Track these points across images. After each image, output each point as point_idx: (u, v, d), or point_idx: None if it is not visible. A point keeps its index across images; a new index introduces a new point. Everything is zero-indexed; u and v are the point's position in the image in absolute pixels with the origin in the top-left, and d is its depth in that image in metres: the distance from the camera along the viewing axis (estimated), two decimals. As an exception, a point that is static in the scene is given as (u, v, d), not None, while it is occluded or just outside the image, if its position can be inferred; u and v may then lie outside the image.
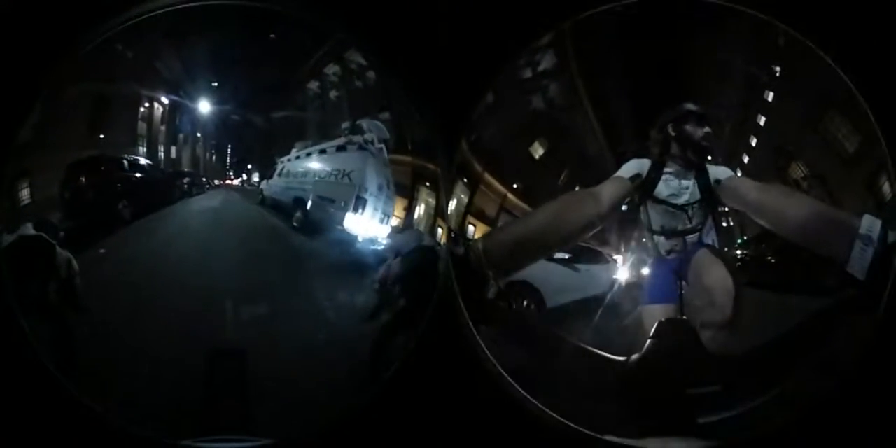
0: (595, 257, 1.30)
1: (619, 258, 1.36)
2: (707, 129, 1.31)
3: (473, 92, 1.24)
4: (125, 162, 1.44)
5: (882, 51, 1.12)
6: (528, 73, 1.36)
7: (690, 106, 1.31)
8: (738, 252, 1.37)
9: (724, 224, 1.36)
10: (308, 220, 1.49)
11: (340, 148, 1.51)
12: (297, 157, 1.54)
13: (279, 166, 1.55)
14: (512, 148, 1.37)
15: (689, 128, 1.31)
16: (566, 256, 1.34)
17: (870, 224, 1.02)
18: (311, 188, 1.51)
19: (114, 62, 1.31)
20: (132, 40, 1.29)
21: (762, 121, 1.34)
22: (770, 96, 1.34)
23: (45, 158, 1.26)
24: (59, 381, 1.12)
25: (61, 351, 1.16)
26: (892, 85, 1.12)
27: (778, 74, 1.33)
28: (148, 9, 1.22)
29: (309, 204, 1.49)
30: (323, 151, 1.51)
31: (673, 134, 1.32)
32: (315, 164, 1.51)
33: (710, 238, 1.34)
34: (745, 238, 1.37)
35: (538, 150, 1.37)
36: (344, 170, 1.49)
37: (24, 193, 1.22)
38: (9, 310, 1.10)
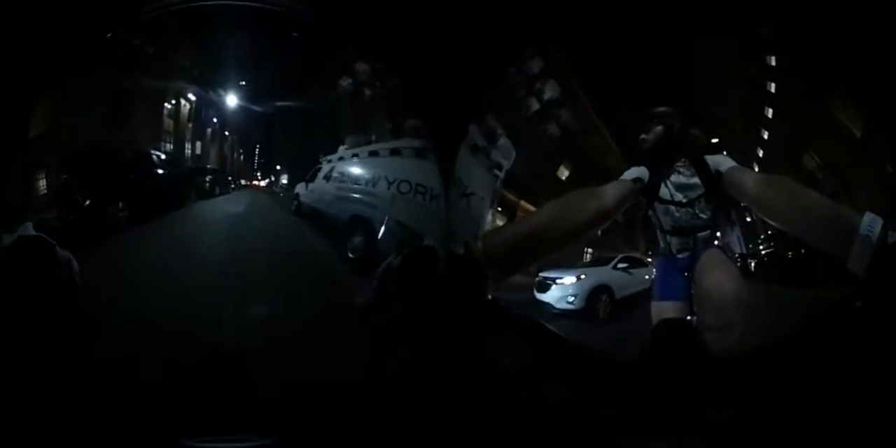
0: (640, 263, 1.45)
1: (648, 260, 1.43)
2: (658, 128, 1.29)
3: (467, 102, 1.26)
4: (127, 155, 1.24)
5: (880, 39, 1.12)
6: (536, 105, 1.39)
7: (657, 109, 1.31)
8: (761, 248, 1.38)
9: (748, 219, 1.36)
10: (377, 252, 1.10)
11: (419, 152, 1.14)
12: (354, 156, 1.20)
13: (325, 167, 1.22)
14: (540, 174, 1.41)
15: (648, 131, 1.31)
16: (625, 265, 1.46)
17: (871, 222, 1.01)
18: (386, 207, 1.13)
19: (132, 55, 1.26)
20: (152, 34, 1.25)
21: (769, 113, 1.34)
22: (773, 88, 1.34)
23: (51, 153, 1.25)
24: (58, 381, 1.12)
25: (61, 351, 1.16)
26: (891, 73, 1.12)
27: (776, 65, 1.33)
28: (167, 4, 1.22)
29: (381, 230, 1.10)
30: (396, 152, 1.15)
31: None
32: (384, 170, 1.12)
33: (735, 235, 1.34)
34: (763, 236, 1.38)
35: (564, 173, 1.40)
36: (431, 189, 1.10)
37: (29, 189, 1.22)
38: (9, 310, 1.11)
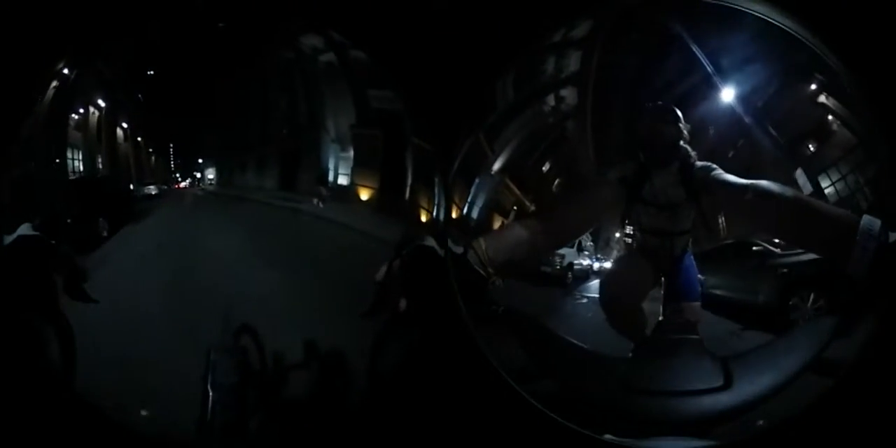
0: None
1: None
2: (649, 126, 1.28)
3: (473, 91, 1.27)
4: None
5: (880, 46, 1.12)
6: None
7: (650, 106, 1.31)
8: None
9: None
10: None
11: None
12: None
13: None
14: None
15: (639, 126, 1.30)
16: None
17: (870, 224, 1.01)
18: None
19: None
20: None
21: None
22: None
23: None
24: (59, 381, 1.12)
25: (61, 351, 1.16)
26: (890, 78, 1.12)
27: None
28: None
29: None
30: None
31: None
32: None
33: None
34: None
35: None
36: None
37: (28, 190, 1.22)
38: (9, 310, 1.10)
